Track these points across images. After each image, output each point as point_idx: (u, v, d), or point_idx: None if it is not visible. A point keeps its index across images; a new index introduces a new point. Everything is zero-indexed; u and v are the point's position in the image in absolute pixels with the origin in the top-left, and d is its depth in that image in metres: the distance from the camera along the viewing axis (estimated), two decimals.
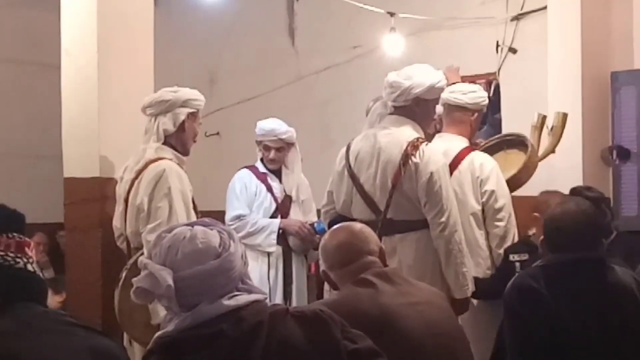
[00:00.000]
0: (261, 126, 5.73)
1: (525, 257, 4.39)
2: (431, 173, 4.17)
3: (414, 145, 4.21)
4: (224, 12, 8.44)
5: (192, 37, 9.11)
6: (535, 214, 4.41)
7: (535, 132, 5.16)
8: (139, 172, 4.35)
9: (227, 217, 5.63)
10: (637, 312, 3.38)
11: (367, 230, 3.19)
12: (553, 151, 5.20)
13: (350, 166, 4.38)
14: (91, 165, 4.82)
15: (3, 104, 8.37)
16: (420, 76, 4.32)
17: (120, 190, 4.49)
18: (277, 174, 5.78)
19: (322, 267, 3.14)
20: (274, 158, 5.71)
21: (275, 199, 5.72)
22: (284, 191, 5.76)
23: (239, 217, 5.61)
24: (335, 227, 3.24)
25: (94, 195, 4.80)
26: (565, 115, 5.28)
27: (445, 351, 2.94)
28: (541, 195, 4.68)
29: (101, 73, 4.82)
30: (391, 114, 4.40)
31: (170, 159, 4.39)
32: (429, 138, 4.51)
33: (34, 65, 8.07)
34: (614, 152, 6.22)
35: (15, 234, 2.40)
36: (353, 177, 4.36)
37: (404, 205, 4.22)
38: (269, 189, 5.72)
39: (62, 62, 4.96)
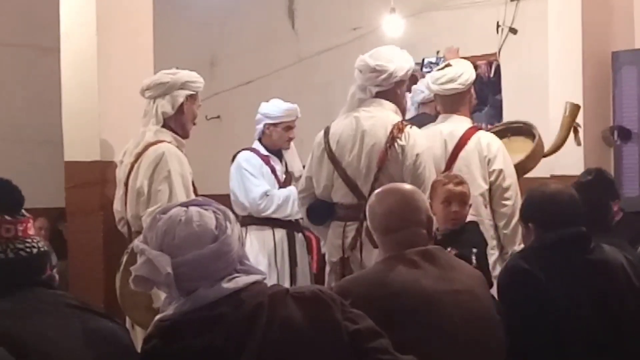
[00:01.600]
0: (282, 107, 5.74)
1: None
2: (417, 155, 4.22)
3: (399, 128, 4.24)
4: None
5: (192, 20, 9.08)
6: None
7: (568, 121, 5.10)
8: (139, 156, 4.35)
9: (254, 195, 5.54)
10: (630, 289, 3.40)
11: (419, 197, 3.08)
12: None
13: (330, 150, 4.38)
14: (92, 149, 4.82)
15: (2, 88, 8.34)
16: (400, 59, 4.39)
17: (120, 173, 4.48)
18: (277, 154, 5.78)
19: (367, 224, 3.07)
20: (293, 137, 5.77)
21: (279, 181, 5.71)
22: (285, 169, 5.77)
23: (266, 193, 5.58)
24: (386, 187, 3.15)
25: (95, 179, 4.81)
26: (577, 107, 5.18)
27: (477, 346, 2.87)
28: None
29: (101, 56, 4.81)
30: (373, 97, 4.41)
31: (170, 142, 4.38)
32: (426, 119, 4.53)
33: (33, 48, 8.03)
34: (615, 133, 6.21)
35: (18, 215, 2.36)
36: (334, 161, 4.36)
37: None
38: (273, 170, 5.71)
39: (61, 46, 4.95)
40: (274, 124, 5.73)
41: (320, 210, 4.48)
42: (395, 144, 4.22)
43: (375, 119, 4.32)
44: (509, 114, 7.16)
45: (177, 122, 4.48)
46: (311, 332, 2.24)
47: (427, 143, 4.34)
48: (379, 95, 4.39)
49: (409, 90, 5.65)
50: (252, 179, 5.62)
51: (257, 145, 5.78)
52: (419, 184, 4.12)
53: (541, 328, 3.29)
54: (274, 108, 5.73)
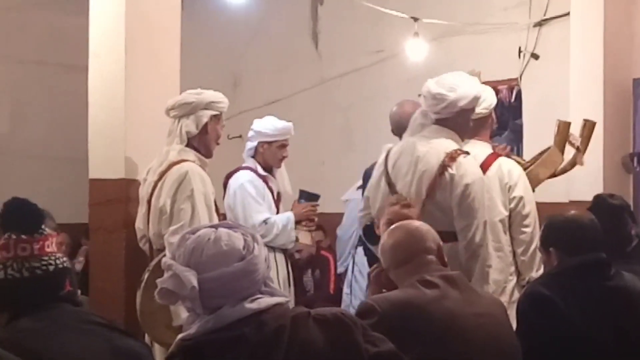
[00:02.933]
0: (277, 125, 5.59)
1: None
2: (466, 185, 4.14)
3: (452, 157, 4.18)
4: (249, 16, 8.50)
5: (217, 41, 9.17)
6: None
7: (559, 140, 5.01)
8: (162, 174, 4.38)
9: (254, 221, 5.41)
10: None
11: (425, 228, 3.19)
12: (581, 163, 5.04)
13: (387, 173, 4.35)
14: (116, 167, 4.86)
15: (30, 105, 8.43)
16: (465, 87, 4.29)
17: (143, 191, 4.52)
18: (271, 173, 5.65)
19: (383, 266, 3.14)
20: (287, 155, 5.63)
21: (275, 201, 5.63)
22: (277, 192, 5.66)
23: (265, 222, 5.45)
24: (393, 226, 3.23)
25: (119, 196, 4.84)
26: (592, 124, 5.11)
27: None
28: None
29: (128, 76, 4.86)
30: (433, 124, 4.34)
31: (193, 161, 4.41)
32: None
33: (61, 66, 8.13)
34: (635, 159, 6.21)
35: (36, 233, 2.41)
36: (390, 184, 4.33)
37: (435, 216, 4.15)
38: (271, 190, 5.61)
39: (89, 65, 5.00)
40: (269, 143, 5.58)
41: (374, 230, 4.38)
42: (446, 173, 4.16)
43: (430, 146, 4.26)
44: (529, 139, 7.18)
45: (201, 142, 4.52)
46: (332, 354, 2.25)
47: (479, 173, 4.28)
48: (438, 122, 4.32)
49: None
50: (254, 205, 5.47)
51: (252, 163, 5.62)
52: (468, 214, 4.10)
53: (560, 354, 3.31)
54: (269, 126, 5.59)
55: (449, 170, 4.16)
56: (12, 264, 2.38)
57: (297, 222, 5.56)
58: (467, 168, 4.19)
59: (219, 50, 9.14)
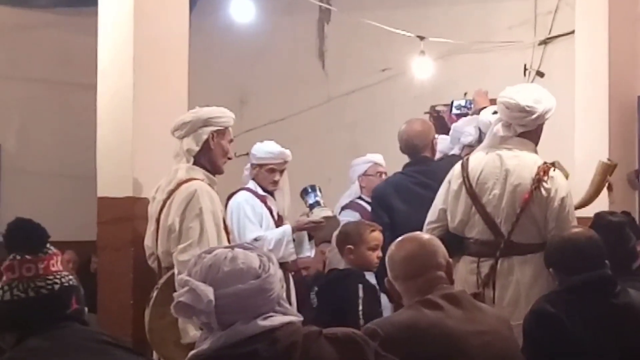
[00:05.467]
0: (267, 149, 5.65)
1: None
2: (562, 199, 4.16)
3: (544, 171, 4.18)
4: (255, 34, 8.54)
5: (224, 59, 9.20)
6: (349, 246, 4.38)
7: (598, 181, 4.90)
8: (171, 193, 4.39)
9: (245, 239, 5.39)
10: None
11: (436, 243, 3.16)
12: (590, 201, 4.96)
13: (470, 185, 4.28)
14: (124, 185, 4.88)
15: (38, 123, 8.49)
16: (548, 99, 4.31)
17: (152, 210, 4.52)
18: (272, 195, 5.70)
19: (388, 276, 3.11)
20: (278, 180, 5.63)
21: (275, 221, 5.64)
22: (277, 212, 5.69)
23: (256, 240, 5.44)
24: (403, 236, 3.20)
25: (127, 214, 4.85)
26: (611, 166, 4.94)
27: None
28: (347, 227, 4.59)
29: (136, 94, 4.88)
30: (517, 136, 4.31)
31: (202, 180, 4.42)
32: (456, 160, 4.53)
33: (69, 85, 8.18)
34: None
35: (41, 252, 2.43)
36: (474, 196, 4.25)
37: (528, 229, 4.17)
38: (270, 211, 5.64)
39: (98, 84, 5.02)
40: (259, 165, 5.64)
41: (450, 243, 4.34)
42: (542, 187, 4.16)
43: (519, 159, 4.24)
44: None
45: (206, 159, 4.50)
46: None
47: (568, 185, 4.29)
48: (523, 134, 4.30)
49: (443, 132, 5.67)
50: (247, 223, 5.51)
51: (252, 185, 5.68)
52: (565, 227, 4.07)
53: None
54: (259, 148, 5.66)
55: (544, 184, 4.16)
56: (17, 285, 2.39)
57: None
58: (560, 182, 4.22)
59: (226, 69, 9.18)
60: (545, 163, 4.23)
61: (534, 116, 4.24)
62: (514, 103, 4.25)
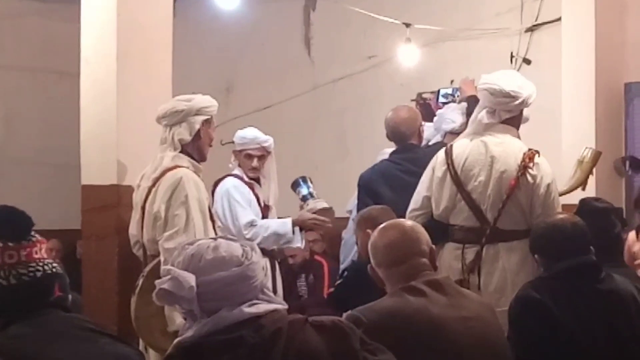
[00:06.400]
0: (242, 135, 5.65)
1: None
2: (548, 185, 4.18)
3: (530, 157, 4.19)
4: (241, 22, 8.52)
5: (210, 47, 9.18)
6: (368, 230, 4.20)
7: (579, 167, 5.00)
8: (156, 180, 4.38)
9: (240, 223, 5.44)
10: None
11: (419, 230, 3.15)
12: (583, 188, 4.99)
13: (455, 172, 4.27)
14: (109, 173, 4.86)
15: (22, 111, 8.45)
16: (528, 85, 4.32)
17: (137, 197, 4.51)
18: (258, 182, 5.67)
19: (371, 263, 3.10)
20: (256, 166, 5.59)
21: (261, 208, 5.62)
22: (263, 200, 5.65)
23: (251, 224, 5.47)
24: (386, 223, 3.19)
25: (112, 202, 4.83)
26: (597, 153, 5.05)
27: None
28: (372, 211, 4.58)
29: (120, 82, 4.86)
30: (501, 122, 4.32)
31: (187, 167, 4.41)
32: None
33: (52, 73, 8.14)
34: (627, 163, 6.24)
35: (24, 240, 2.41)
36: (458, 183, 4.25)
37: (514, 215, 4.18)
38: (257, 197, 5.62)
39: (81, 71, 4.99)
40: (239, 151, 5.65)
41: (434, 230, 4.28)
42: (527, 174, 4.17)
43: (504, 146, 4.24)
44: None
45: (194, 147, 4.51)
46: (329, 359, 2.27)
47: (552, 171, 4.30)
48: (507, 121, 4.31)
49: (429, 119, 5.67)
50: (237, 208, 5.49)
51: (239, 171, 5.66)
52: (551, 214, 4.06)
53: (551, 357, 3.32)
54: (237, 135, 5.68)
55: (530, 171, 4.17)
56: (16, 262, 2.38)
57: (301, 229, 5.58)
58: (545, 168, 4.23)
59: (211, 56, 9.15)
60: (530, 150, 4.23)
61: (518, 101, 4.24)
62: (498, 89, 4.24)
